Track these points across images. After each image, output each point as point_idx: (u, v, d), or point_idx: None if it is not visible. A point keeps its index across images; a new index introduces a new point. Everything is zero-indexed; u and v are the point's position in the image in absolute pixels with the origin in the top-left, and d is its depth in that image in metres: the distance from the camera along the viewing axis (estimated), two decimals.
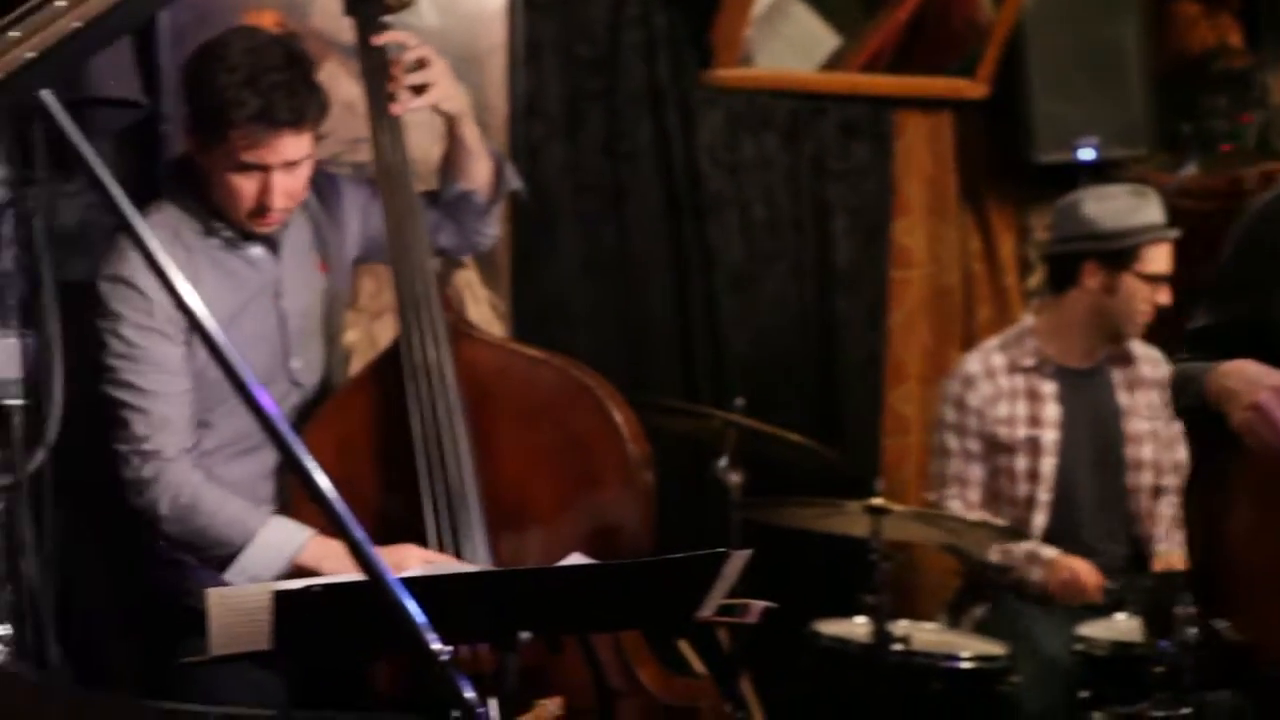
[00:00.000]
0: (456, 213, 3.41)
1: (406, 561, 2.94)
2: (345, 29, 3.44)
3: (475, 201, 3.40)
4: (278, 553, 3.01)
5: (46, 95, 1.47)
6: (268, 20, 3.78)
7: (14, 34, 1.42)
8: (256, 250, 3.19)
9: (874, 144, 5.18)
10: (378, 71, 3.25)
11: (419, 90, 3.23)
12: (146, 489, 3.05)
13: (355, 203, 3.37)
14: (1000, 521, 4.33)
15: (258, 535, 3.02)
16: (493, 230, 3.53)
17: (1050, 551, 4.28)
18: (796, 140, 5.07)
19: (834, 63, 5.13)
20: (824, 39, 5.09)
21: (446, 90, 3.25)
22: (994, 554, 4.34)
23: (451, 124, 3.30)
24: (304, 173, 3.09)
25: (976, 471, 4.42)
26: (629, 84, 4.77)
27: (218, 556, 3.06)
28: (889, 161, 5.21)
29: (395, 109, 3.22)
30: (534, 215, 4.57)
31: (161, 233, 3.07)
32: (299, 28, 3.75)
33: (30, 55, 1.41)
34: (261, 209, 3.06)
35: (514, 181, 3.48)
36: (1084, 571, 4.22)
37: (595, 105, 4.74)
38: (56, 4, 1.43)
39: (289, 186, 3.06)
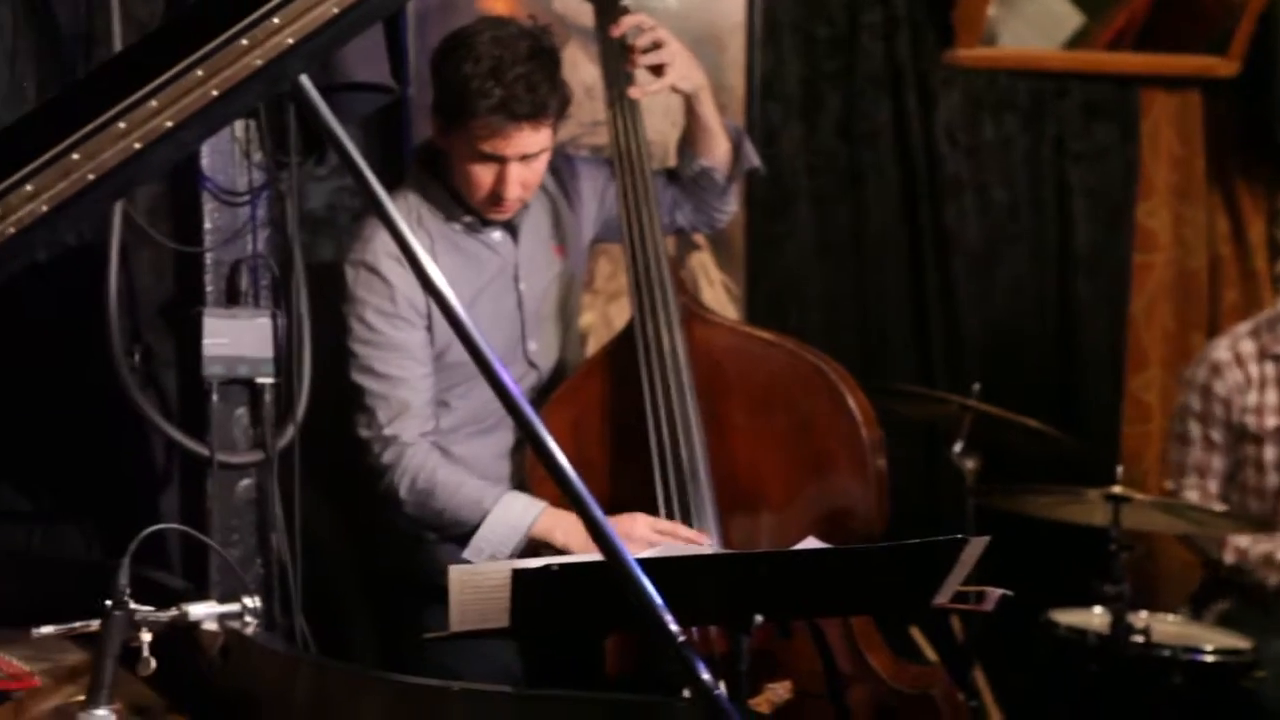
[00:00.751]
0: (696, 190, 3.42)
1: (635, 528, 2.95)
2: (585, 13, 3.47)
3: (714, 178, 3.41)
4: (512, 529, 3.05)
5: (303, 80, 1.51)
6: (509, 7, 3.84)
7: (275, 20, 1.45)
8: (496, 234, 3.23)
9: (1118, 124, 5.08)
10: (615, 56, 3.27)
11: (656, 72, 3.24)
12: (387, 473, 3.11)
13: (593, 185, 3.40)
14: (1225, 509, 4.22)
15: (491, 513, 3.06)
16: (731, 207, 3.54)
17: None
18: (1038, 121, 4.98)
19: (1077, 41, 5.02)
20: (1067, 17, 4.99)
21: (683, 70, 3.26)
22: (1229, 554, 4.23)
23: (689, 101, 3.31)
24: (540, 165, 3.12)
25: (1217, 462, 4.31)
26: (867, 64, 4.73)
27: (455, 534, 3.11)
28: (1134, 142, 5.10)
29: (633, 92, 3.24)
30: (770, 197, 4.56)
31: (405, 217, 3.13)
32: (540, 12, 3.79)
33: (290, 41, 1.45)
34: (496, 197, 3.10)
35: (753, 159, 3.47)
36: None
37: (833, 86, 4.71)
38: None
39: (524, 177, 3.10)
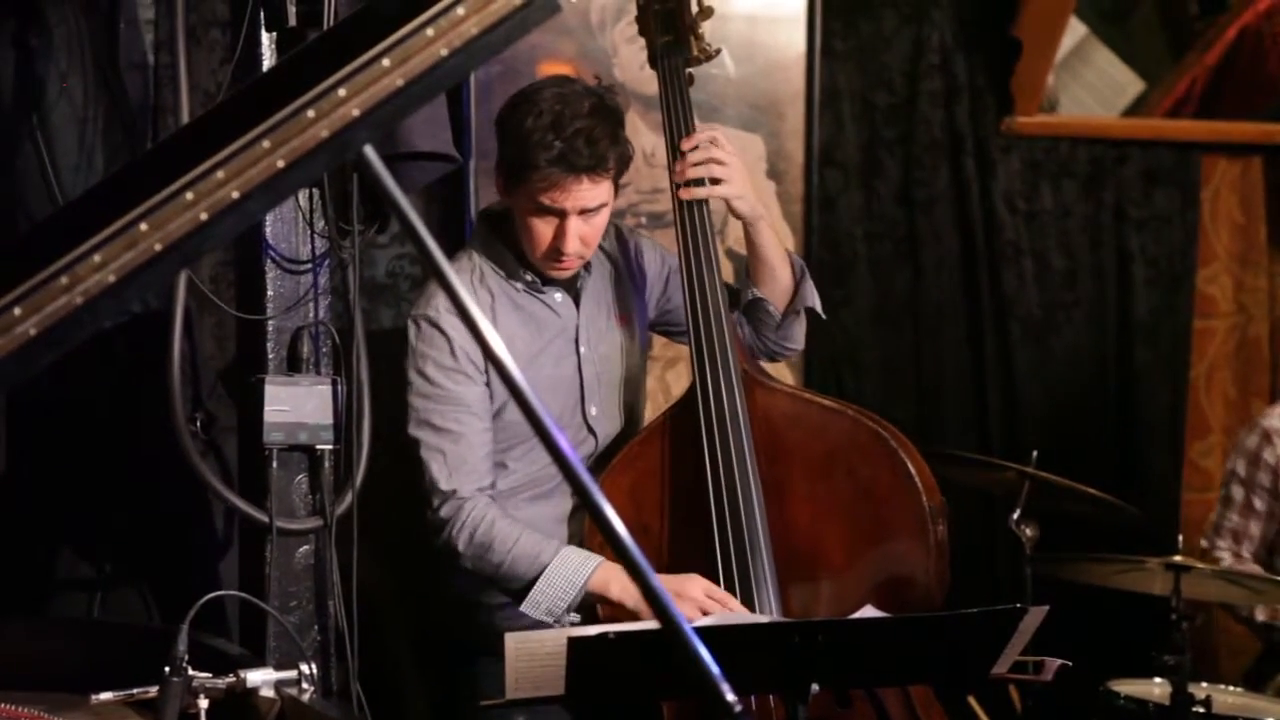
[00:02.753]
0: (751, 316, 3.38)
1: (688, 588, 2.94)
2: (645, 80, 3.49)
3: (768, 309, 3.35)
4: (569, 583, 3.05)
5: (368, 151, 1.52)
6: (565, 71, 3.87)
7: (341, 92, 1.47)
8: (557, 296, 3.24)
9: (1179, 191, 5.07)
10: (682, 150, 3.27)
11: (714, 181, 3.23)
12: (445, 527, 3.11)
13: (657, 268, 3.40)
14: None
15: (548, 569, 3.06)
16: (794, 346, 3.44)
17: None
18: (1097, 188, 4.98)
19: (1137, 108, 5.02)
20: (1127, 84, 4.99)
21: (738, 189, 3.24)
22: (1260, 613, 4.19)
23: (746, 229, 3.30)
24: (600, 220, 3.13)
25: (1255, 528, 4.29)
26: (927, 132, 4.74)
27: (512, 589, 3.11)
28: (1194, 209, 5.09)
29: (682, 194, 3.23)
30: (828, 263, 4.57)
31: (467, 277, 3.16)
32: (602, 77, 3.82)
33: (356, 112, 1.47)
34: (556, 252, 3.11)
35: (811, 299, 3.38)
36: None
37: (892, 153, 4.72)
38: (381, 62, 1.48)
39: (583, 232, 3.11)
